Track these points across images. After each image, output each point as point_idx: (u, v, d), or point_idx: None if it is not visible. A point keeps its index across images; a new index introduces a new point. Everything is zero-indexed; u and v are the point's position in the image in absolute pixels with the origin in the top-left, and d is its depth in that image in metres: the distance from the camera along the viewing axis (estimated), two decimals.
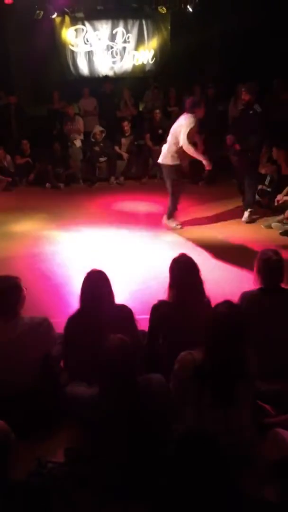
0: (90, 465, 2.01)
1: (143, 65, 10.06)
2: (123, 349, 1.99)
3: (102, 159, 8.35)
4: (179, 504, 1.30)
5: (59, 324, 2.77)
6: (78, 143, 8.56)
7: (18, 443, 1.85)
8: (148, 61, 10.02)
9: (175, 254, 2.87)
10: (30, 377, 2.52)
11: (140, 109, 9.40)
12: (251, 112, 5.74)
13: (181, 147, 5.39)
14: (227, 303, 2.11)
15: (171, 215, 5.87)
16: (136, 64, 10.02)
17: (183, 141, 5.32)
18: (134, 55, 9.98)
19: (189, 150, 5.37)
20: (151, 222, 6.17)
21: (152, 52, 9.95)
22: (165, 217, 5.90)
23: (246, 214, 6.08)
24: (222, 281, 4.17)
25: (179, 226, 5.84)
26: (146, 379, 2.23)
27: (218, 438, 1.37)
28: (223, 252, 5.09)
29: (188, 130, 5.30)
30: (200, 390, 1.98)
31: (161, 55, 9.92)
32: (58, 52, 9.73)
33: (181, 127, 5.37)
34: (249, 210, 6.07)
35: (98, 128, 8.30)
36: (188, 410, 2.00)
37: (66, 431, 2.50)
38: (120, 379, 1.95)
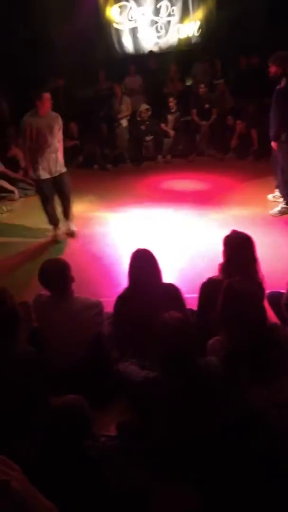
0: (142, 440, 2.06)
1: (189, 38, 9.77)
2: (183, 329, 1.99)
3: (148, 138, 8.28)
4: (230, 482, 1.32)
5: (110, 303, 2.84)
6: (124, 122, 8.54)
7: None
8: (193, 34, 9.72)
9: (222, 232, 2.82)
10: (83, 353, 2.62)
11: (188, 83, 9.17)
12: (277, 87, 5.02)
13: None
14: (239, 280, 2.04)
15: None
16: (182, 37, 9.76)
17: None
18: (179, 28, 9.71)
19: None
20: (198, 200, 6.08)
21: (197, 24, 9.64)
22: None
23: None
24: (274, 260, 4.06)
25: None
26: (204, 361, 2.22)
27: (266, 415, 1.35)
28: (273, 229, 4.94)
29: None
30: (235, 373, 1.95)
31: (207, 26, 9.58)
32: (103, 31, 9.65)
33: None
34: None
35: (143, 107, 8.22)
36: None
37: (119, 406, 2.58)
38: (180, 360, 1.95)
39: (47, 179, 5.00)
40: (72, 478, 1.60)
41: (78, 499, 1.58)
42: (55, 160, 4.99)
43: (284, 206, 5.38)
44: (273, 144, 5.26)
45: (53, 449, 1.62)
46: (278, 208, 5.41)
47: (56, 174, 5.03)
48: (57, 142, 4.99)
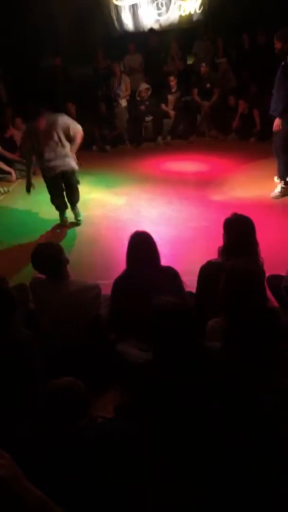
0: (139, 422, 2.06)
1: (190, 15, 9.52)
2: (179, 311, 1.96)
3: (148, 118, 8.15)
4: (229, 467, 1.30)
5: (109, 286, 2.81)
6: (123, 102, 8.39)
7: None
8: (195, 11, 9.47)
9: (223, 214, 2.78)
10: (80, 336, 2.61)
11: (189, 62, 8.98)
12: (283, 63, 4.90)
13: None
14: (241, 262, 2.02)
15: None
16: (183, 14, 9.51)
17: None
18: (180, 5, 9.45)
19: None
20: (199, 182, 6.01)
21: (199, 0, 9.38)
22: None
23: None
24: (276, 243, 4.02)
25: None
26: (207, 345, 2.20)
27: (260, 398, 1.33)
28: (275, 212, 4.89)
29: None
30: (233, 357, 1.93)
31: (209, 3, 9.32)
32: (102, 7, 9.40)
33: None
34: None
35: (143, 86, 8.06)
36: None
37: (117, 388, 2.58)
38: (178, 343, 1.93)
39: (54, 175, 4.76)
40: (68, 460, 1.60)
41: (74, 481, 1.57)
42: (63, 156, 4.71)
43: (284, 186, 5.34)
44: (276, 120, 5.14)
45: (47, 431, 1.61)
46: (278, 189, 5.35)
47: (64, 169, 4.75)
48: (65, 140, 4.71)
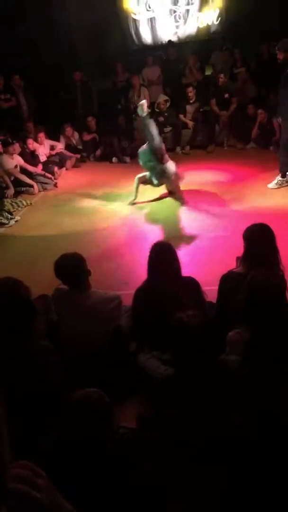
0: (161, 432, 2.06)
1: (208, 27, 9.59)
2: (203, 328, 1.96)
3: (167, 129, 8.20)
4: (249, 473, 1.30)
5: (129, 296, 2.83)
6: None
7: None
8: (213, 22, 9.53)
9: (243, 224, 2.77)
10: (102, 346, 2.63)
11: (207, 73, 9.03)
12: (286, 71, 5.22)
13: None
14: (263, 272, 2.00)
15: None
16: (201, 26, 9.59)
17: None
18: (198, 17, 9.53)
19: None
20: (218, 192, 6.00)
21: (217, 12, 9.45)
22: None
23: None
24: None
25: None
26: (224, 360, 2.19)
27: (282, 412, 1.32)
28: None
29: None
30: (254, 369, 1.91)
31: (227, 14, 9.38)
32: (120, 22, 9.57)
33: None
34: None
35: (162, 98, 8.13)
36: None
37: (138, 398, 2.58)
38: (200, 358, 1.93)
39: None
40: (91, 471, 1.61)
41: (97, 491, 1.58)
42: None
43: (280, 178, 5.84)
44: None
45: (72, 442, 1.62)
46: (275, 181, 5.86)
47: None
48: None
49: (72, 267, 2.69)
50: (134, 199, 5.94)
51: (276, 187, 5.84)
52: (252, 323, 1.98)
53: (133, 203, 5.92)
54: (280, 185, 5.84)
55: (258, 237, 2.62)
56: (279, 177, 5.84)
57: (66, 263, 2.71)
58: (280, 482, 1.24)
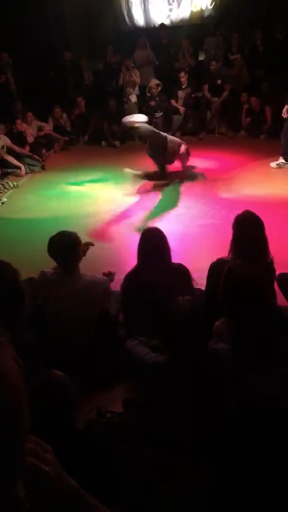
0: (148, 416, 2.06)
1: (201, 11, 9.46)
2: (195, 314, 1.95)
3: (158, 114, 8.10)
4: (241, 459, 1.30)
5: (119, 281, 2.81)
6: (133, 98, 8.37)
7: (79, 394, 1.92)
8: (206, 6, 9.40)
9: (231, 212, 2.77)
10: (90, 330, 2.61)
11: (201, 58, 8.91)
12: None
13: None
14: (241, 264, 2.00)
15: None
16: (194, 10, 9.44)
17: None
18: (191, 0, 9.39)
19: None
20: (208, 179, 5.98)
21: None
22: None
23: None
24: (286, 241, 3.99)
25: None
26: (215, 348, 2.18)
27: (278, 400, 1.33)
28: (285, 209, 4.85)
29: None
30: (242, 357, 1.92)
31: None
32: (113, 2, 9.37)
33: None
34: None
35: (154, 82, 8.02)
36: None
37: (125, 382, 2.57)
38: (191, 346, 1.92)
39: None
40: (75, 455, 1.60)
41: (84, 475, 1.58)
42: None
43: (283, 161, 6.07)
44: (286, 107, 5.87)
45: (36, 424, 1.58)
46: (278, 162, 6.11)
47: None
48: None
49: (67, 245, 2.62)
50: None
51: (276, 167, 6.10)
52: (234, 316, 1.98)
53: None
54: (280, 166, 6.10)
55: (247, 225, 2.61)
56: (282, 160, 6.07)
57: (62, 239, 2.64)
58: (273, 468, 1.25)
